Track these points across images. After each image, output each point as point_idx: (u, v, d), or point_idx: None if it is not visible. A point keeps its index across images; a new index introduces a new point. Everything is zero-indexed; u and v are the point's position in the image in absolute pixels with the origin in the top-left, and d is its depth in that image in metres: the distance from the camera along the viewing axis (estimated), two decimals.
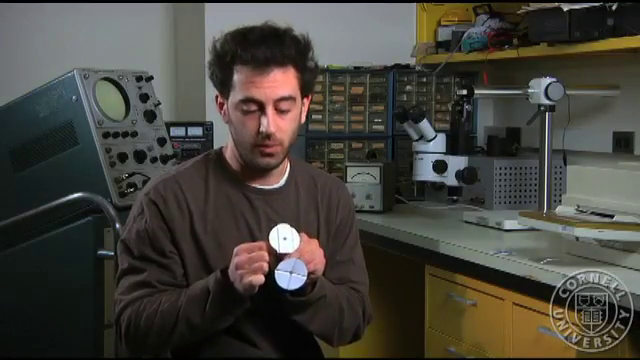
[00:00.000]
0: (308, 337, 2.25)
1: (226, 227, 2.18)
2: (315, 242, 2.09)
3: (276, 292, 2.05)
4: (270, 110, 2.11)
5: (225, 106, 2.19)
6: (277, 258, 2.02)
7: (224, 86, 2.16)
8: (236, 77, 2.13)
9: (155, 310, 2.10)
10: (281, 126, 2.13)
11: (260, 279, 2.00)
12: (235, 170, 2.23)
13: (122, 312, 2.14)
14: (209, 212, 2.18)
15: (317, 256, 2.07)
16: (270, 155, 2.15)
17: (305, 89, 2.19)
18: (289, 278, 2.01)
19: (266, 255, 2.01)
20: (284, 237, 2.02)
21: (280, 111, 2.13)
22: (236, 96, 2.13)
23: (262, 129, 2.11)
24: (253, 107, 2.12)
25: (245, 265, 2.01)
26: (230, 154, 2.24)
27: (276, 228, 2.03)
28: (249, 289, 2.01)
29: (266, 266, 2.00)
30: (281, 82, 2.12)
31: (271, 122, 2.11)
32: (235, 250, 2.05)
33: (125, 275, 2.17)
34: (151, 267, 2.14)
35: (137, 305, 2.12)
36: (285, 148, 2.17)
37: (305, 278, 2.02)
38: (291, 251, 2.02)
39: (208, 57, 2.21)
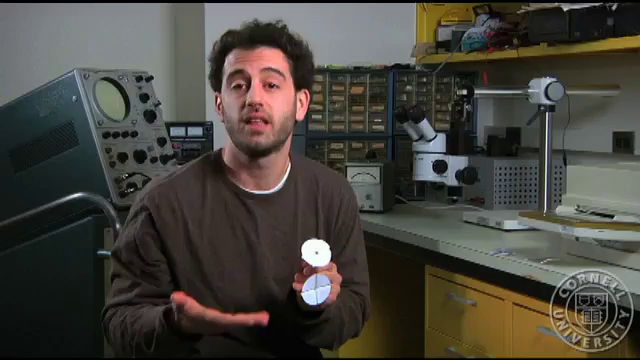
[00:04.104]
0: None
1: (222, 234, 2.16)
2: (339, 277, 2.06)
3: (273, 304, 2.10)
4: (257, 82, 2.11)
5: (220, 100, 2.19)
6: (302, 274, 2.02)
7: (217, 78, 2.18)
8: (226, 62, 2.16)
9: (120, 323, 2.12)
10: (269, 101, 2.11)
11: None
12: (233, 173, 2.21)
13: (104, 315, 2.18)
14: (205, 218, 2.17)
15: (336, 280, 2.05)
16: (259, 133, 2.11)
17: (299, 81, 2.18)
18: (316, 294, 2.01)
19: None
20: (316, 251, 2.01)
21: (269, 85, 2.13)
22: (225, 76, 2.15)
23: (248, 100, 2.10)
24: (241, 81, 2.12)
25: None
26: (228, 156, 2.22)
27: (314, 240, 2.02)
28: None
29: None
30: (268, 56, 2.14)
31: (257, 92, 2.10)
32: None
33: (113, 279, 2.20)
34: (136, 274, 2.15)
35: (113, 312, 2.15)
36: (276, 131, 2.13)
37: (330, 287, 2.01)
38: (316, 265, 2.00)
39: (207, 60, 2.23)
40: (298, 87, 2.19)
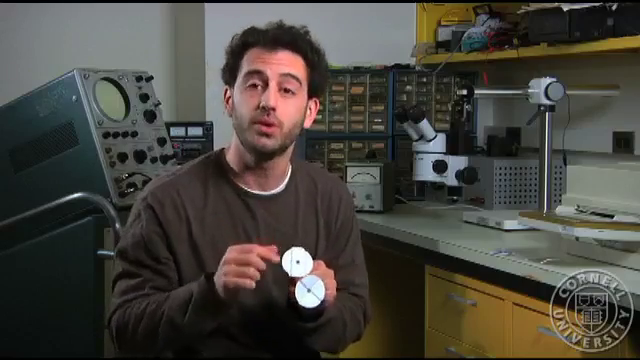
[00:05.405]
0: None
1: (224, 233, 2.16)
2: (331, 272, 2.07)
3: (275, 307, 2.09)
4: (273, 85, 2.11)
5: (230, 95, 2.18)
6: (289, 281, 2.02)
7: (232, 73, 2.17)
8: (245, 58, 2.15)
9: (142, 311, 2.09)
10: (282, 106, 2.12)
11: (245, 283, 1.96)
12: (235, 173, 2.21)
13: (113, 315, 2.15)
14: (207, 217, 2.17)
15: (328, 275, 2.05)
16: (267, 135, 2.11)
17: (313, 88, 2.19)
18: (313, 295, 2.00)
19: (255, 260, 1.97)
20: (297, 260, 2.01)
21: (284, 90, 2.13)
22: (242, 73, 2.14)
23: (263, 102, 2.10)
24: (257, 81, 2.12)
25: (232, 263, 1.98)
26: (232, 155, 2.22)
27: (290, 251, 2.02)
28: (231, 291, 1.98)
29: (253, 272, 1.96)
30: (289, 61, 2.14)
31: (272, 96, 2.10)
32: (228, 249, 2.02)
33: (120, 279, 2.17)
34: (145, 272, 2.14)
35: (126, 307, 2.12)
36: (284, 134, 2.13)
37: (319, 301, 2.00)
38: (302, 275, 2.00)
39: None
40: (310, 95, 2.20)
